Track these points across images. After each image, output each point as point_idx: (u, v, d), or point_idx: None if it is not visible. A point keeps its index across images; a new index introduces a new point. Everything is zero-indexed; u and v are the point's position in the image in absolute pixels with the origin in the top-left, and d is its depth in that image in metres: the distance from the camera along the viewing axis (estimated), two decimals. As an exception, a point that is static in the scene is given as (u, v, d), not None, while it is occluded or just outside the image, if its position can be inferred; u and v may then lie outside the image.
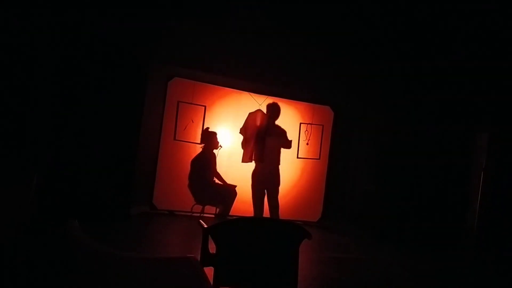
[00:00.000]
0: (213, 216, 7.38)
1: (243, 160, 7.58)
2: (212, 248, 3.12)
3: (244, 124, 7.57)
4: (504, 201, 7.03)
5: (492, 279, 5.72)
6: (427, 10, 6.72)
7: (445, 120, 7.98)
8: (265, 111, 7.43)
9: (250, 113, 7.66)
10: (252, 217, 6.81)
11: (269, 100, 7.78)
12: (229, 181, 7.54)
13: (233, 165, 7.58)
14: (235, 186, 7.45)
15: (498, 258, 6.59)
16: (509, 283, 5.53)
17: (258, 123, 7.44)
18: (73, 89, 6.28)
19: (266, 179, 7.15)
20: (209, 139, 7.41)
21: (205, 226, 3.24)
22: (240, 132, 7.58)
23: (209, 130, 7.43)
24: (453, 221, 7.76)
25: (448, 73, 7.73)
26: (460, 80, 7.69)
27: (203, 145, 7.39)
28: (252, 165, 7.45)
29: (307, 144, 8.02)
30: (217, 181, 7.52)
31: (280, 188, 7.64)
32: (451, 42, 7.26)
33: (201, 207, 7.36)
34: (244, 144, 7.37)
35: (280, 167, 7.53)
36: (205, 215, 7.30)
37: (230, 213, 7.42)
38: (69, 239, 1.34)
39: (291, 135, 7.94)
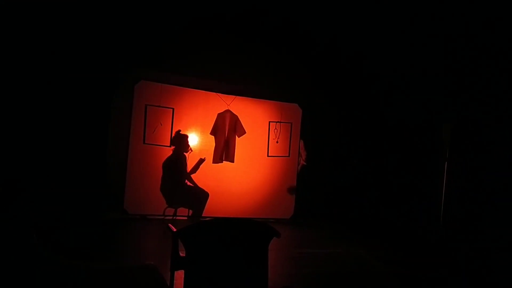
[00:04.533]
0: (185, 218, 7.35)
1: (214, 161, 7.62)
2: (183, 251, 3.14)
3: (213, 125, 7.61)
4: (468, 190, 7.27)
5: (460, 268, 5.90)
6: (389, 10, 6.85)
7: (409, 113, 8.21)
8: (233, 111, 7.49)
9: (218, 114, 7.69)
10: (219, 218, 6.83)
11: (238, 100, 7.81)
12: (201, 182, 7.54)
13: (203, 166, 7.57)
14: (208, 194, 7.48)
15: (465, 246, 6.81)
16: (478, 270, 5.71)
17: (227, 123, 7.48)
18: (37, 95, 6.17)
19: None
20: (180, 141, 7.38)
21: (174, 229, 3.26)
22: (210, 133, 7.62)
23: (181, 133, 7.41)
24: (422, 212, 8.00)
25: (411, 68, 7.94)
26: (421, 75, 7.91)
27: (173, 147, 7.36)
28: (223, 166, 7.50)
29: (277, 142, 8.07)
30: (188, 183, 7.51)
31: (252, 187, 7.67)
32: (414, 38, 7.44)
33: (174, 210, 7.33)
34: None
35: (251, 166, 7.53)
36: (177, 218, 7.27)
37: (203, 215, 7.44)
38: (29, 253, 1.34)
39: (260, 134, 8.00)
